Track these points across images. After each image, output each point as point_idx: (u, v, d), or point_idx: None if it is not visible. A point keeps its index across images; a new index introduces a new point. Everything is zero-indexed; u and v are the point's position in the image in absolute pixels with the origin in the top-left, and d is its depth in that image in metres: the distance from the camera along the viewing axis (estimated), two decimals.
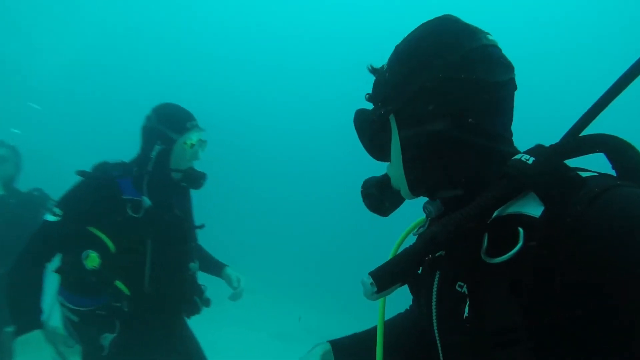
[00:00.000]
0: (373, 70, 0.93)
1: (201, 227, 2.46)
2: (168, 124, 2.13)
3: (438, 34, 0.84)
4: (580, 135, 0.77)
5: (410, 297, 1.04)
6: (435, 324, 0.85)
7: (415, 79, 0.82)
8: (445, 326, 0.83)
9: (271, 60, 20.14)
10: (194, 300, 2.31)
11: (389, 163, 0.94)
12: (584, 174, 0.68)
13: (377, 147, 0.93)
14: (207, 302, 2.36)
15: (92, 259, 2.01)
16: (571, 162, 0.73)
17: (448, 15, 0.88)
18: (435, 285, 0.85)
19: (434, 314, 0.85)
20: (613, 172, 0.70)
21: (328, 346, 1.17)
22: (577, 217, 0.60)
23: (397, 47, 0.90)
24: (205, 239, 2.57)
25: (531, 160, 0.71)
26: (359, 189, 1.00)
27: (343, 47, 19.26)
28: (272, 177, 17.44)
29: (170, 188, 2.22)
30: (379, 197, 0.97)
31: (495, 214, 0.74)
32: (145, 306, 2.13)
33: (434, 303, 0.85)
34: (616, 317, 0.55)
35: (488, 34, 0.84)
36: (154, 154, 2.11)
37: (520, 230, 0.67)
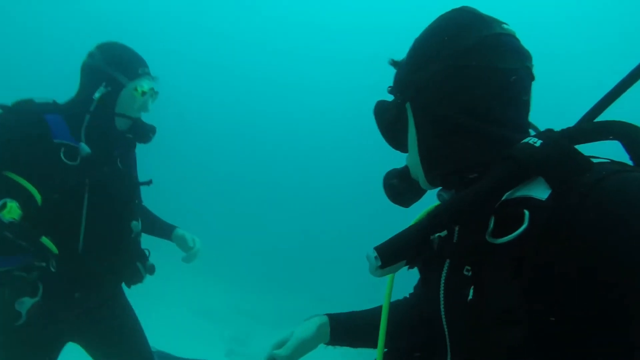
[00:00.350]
0: (394, 64, 0.96)
1: (148, 183, 2.23)
2: (117, 66, 1.92)
3: (450, 23, 0.87)
4: (595, 120, 0.79)
5: (410, 286, 1.10)
6: (442, 309, 0.86)
7: (427, 67, 0.85)
8: (451, 309, 0.84)
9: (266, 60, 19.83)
10: (136, 266, 2.08)
11: (407, 154, 0.95)
12: (594, 160, 0.68)
13: (395, 136, 0.96)
14: (150, 269, 2.13)
15: (11, 210, 1.68)
16: (587, 150, 0.71)
17: (465, 6, 0.89)
18: (444, 271, 0.86)
19: (441, 298, 0.86)
20: (629, 162, 0.69)
21: (325, 319, 1.18)
22: (579, 200, 0.61)
23: (415, 40, 0.93)
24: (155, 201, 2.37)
25: (539, 143, 0.70)
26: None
27: (341, 43, 19.19)
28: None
29: (113, 137, 1.99)
30: (400, 188, 0.98)
31: (504, 197, 0.74)
32: (76, 268, 1.88)
33: (442, 288, 0.86)
34: (609, 299, 0.56)
35: (504, 23, 0.85)
36: (97, 95, 1.88)
37: (526, 212, 0.68)
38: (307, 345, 1.14)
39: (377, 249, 0.75)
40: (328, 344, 1.19)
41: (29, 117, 1.80)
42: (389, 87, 0.96)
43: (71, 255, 1.86)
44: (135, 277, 2.09)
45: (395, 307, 1.14)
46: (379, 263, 0.74)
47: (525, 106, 0.85)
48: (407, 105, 0.90)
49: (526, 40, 0.87)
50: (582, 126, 0.75)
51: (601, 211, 0.59)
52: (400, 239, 0.76)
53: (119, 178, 2.04)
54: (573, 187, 0.63)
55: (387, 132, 0.97)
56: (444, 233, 0.87)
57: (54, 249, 1.78)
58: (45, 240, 1.77)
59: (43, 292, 1.81)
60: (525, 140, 0.73)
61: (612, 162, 0.69)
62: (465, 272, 0.78)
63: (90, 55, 1.95)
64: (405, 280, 1.08)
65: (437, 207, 0.76)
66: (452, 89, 0.82)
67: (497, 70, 0.80)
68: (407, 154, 0.96)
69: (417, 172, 0.92)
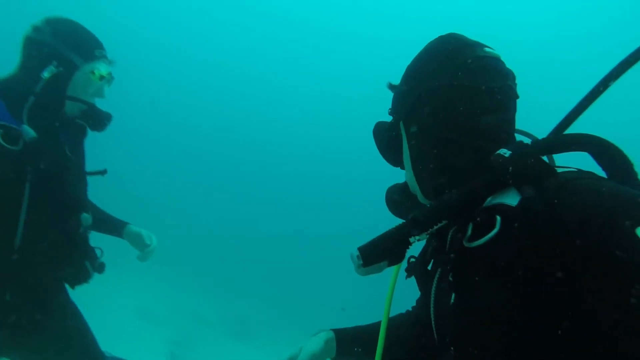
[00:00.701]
0: (391, 87, 1.03)
1: (102, 172, 2.02)
2: (72, 45, 1.75)
3: (436, 49, 0.95)
4: (565, 133, 0.84)
5: (412, 299, 1.14)
6: (432, 315, 0.91)
7: (416, 88, 0.93)
8: (439, 315, 0.89)
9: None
10: (84, 264, 1.85)
11: (405, 170, 1.01)
12: (560, 169, 0.75)
13: (393, 155, 1.02)
14: (100, 268, 1.92)
15: None
16: (560, 160, 0.79)
17: (452, 33, 0.97)
18: (435, 279, 0.91)
19: (432, 305, 0.91)
20: (599, 170, 0.73)
21: (331, 334, 1.21)
22: (543, 204, 0.67)
23: (407, 66, 1.00)
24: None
25: (508, 154, 0.75)
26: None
27: (339, 50, 19.25)
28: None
29: (61, 121, 1.80)
30: (401, 202, 1.03)
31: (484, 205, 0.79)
32: (11, 265, 1.65)
33: (432, 295, 0.91)
34: (572, 292, 0.61)
35: (487, 47, 0.92)
36: (46, 74, 1.68)
37: (498, 217, 0.74)
38: (317, 357, 1.16)
39: (359, 249, 0.80)
40: (334, 359, 1.21)
41: None
42: (389, 109, 1.04)
43: (5, 251, 1.65)
44: (81, 277, 1.87)
45: (396, 320, 1.19)
46: (361, 262, 0.79)
47: (508, 120, 0.90)
48: (401, 125, 0.97)
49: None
50: (551, 138, 0.80)
51: (557, 215, 0.65)
52: (381, 240, 0.81)
53: (67, 167, 1.82)
54: (537, 194, 0.69)
55: (385, 151, 1.03)
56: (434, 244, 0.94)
57: None
58: None
59: None
60: (497, 152, 0.77)
61: (577, 170, 0.75)
62: (450, 278, 0.82)
63: (37, 29, 1.73)
64: (402, 295, 1.13)
65: (416, 212, 0.81)
66: (439, 108, 0.88)
67: (480, 90, 0.86)
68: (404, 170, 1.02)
69: (414, 187, 0.98)
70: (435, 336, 0.91)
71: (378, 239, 0.82)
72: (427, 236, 0.89)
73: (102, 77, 1.80)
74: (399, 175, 1.11)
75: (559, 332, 0.63)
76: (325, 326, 1.25)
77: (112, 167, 2.08)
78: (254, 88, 18.45)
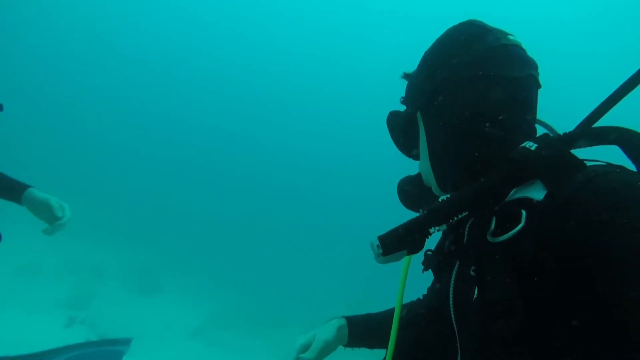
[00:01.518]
0: (406, 76, 1.00)
1: None
2: None
3: (458, 35, 0.91)
4: (594, 125, 0.83)
5: (423, 288, 1.17)
6: (452, 308, 0.91)
7: (436, 76, 0.90)
8: (459, 309, 0.89)
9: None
10: None
11: (419, 162, 1.00)
12: (588, 163, 0.73)
13: (408, 144, 1.01)
14: None
15: None
16: (588, 153, 0.76)
17: (472, 20, 0.94)
18: (454, 272, 0.91)
19: (450, 298, 0.91)
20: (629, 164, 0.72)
21: (343, 321, 1.23)
22: (568, 199, 0.66)
23: (425, 53, 0.98)
24: None
25: (534, 147, 0.75)
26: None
27: (349, 47, 19.23)
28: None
29: None
30: (413, 194, 1.03)
31: (507, 199, 0.78)
32: None
33: (451, 288, 0.91)
34: (592, 289, 0.61)
35: (510, 34, 0.90)
36: None
37: (523, 212, 0.72)
38: (329, 347, 1.18)
39: (380, 238, 0.79)
40: (346, 345, 1.23)
41: None
42: (402, 97, 1.00)
43: None
44: None
45: (408, 307, 1.18)
46: (381, 251, 0.78)
47: (531, 111, 0.89)
48: (418, 114, 0.94)
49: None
50: (579, 131, 0.81)
51: (586, 211, 0.63)
52: (401, 229, 0.80)
53: None
54: (564, 188, 0.68)
55: (399, 141, 1.01)
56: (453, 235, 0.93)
57: None
58: None
59: None
60: (523, 144, 0.77)
61: (606, 164, 0.73)
62: (472, 273, 0.81)
63: None
64: (414, 283, 1.11)
65: (437, 202, 0.81)
66: (461, 96, 0.86)
67: (505, 79, 0.84)
68: (419, 161, 1.00)
69: (430, 179, 0.96)
70: (455, 328, 0.91)
71: (398, 228, 0.80)
72: (446, 227, 0.89)
73: None
74: (405, 169, 1.11)
75: (578, 328, 0.64)
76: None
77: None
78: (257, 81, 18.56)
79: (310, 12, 19.35)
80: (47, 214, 1.68)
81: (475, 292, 0.79)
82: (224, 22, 19.07)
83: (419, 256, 0.97)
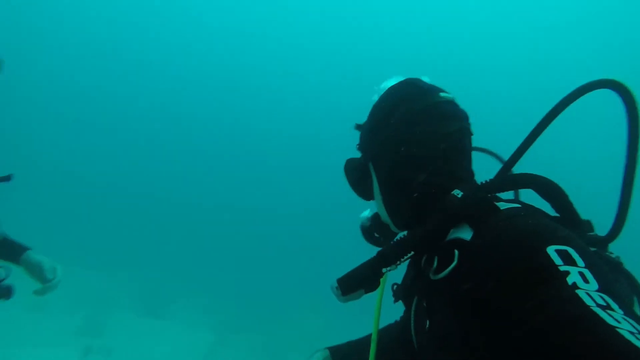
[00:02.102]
0: (358, 127, 1.13)
1: (7, 179, 1.74)
2: None
3: (397, 95, 1.03)
4: (512, 173, 0.97)
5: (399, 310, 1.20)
6: (413, 336, 1.00)
7: (379, 133, 1.03)
8: (418, 337, 0.98)
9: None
10: None
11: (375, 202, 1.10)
12: (505, 205, 0.83)
13: (363, 189, 1.11)
14: (7, 293, 1.67)
15: None
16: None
17: (409, 78, 1.07)
18: (414, 305, 1.00)
19: (412, 328, 1.00)
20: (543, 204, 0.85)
21: (327, 352, 1.30)
22: (484, 239, 0.77)
23: (372, 106, 1.08)
24: None
25: (460, 195, 0.85)
26: None
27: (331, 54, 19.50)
28: None
29: None
30: (371, 230, 1.15)
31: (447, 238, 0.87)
32: None
33: (412, 318, 1.00)
34: (508, 313, 0.66)
35: (442, 91, 1.01)
36: None
37: (456, 251, 0.81)
38: None
39: (338, 280, 0.88)
40: None
41: None
42: (357, 144, 1.13)
43: None
44: None
45: (385, 332, 1.26)
46: (340, 292, 0.87)
47: (465, 157, 1.01)
48: (370, 164, 1.07)
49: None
50: (498, 179, 0.93)
51: (492, 249, 0.74)
52: (356, 272, 0.89)
53: None
54: (482, 230, 0.79)
55: (356, 187, 1.13)
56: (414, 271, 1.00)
57: None
58: None
59: None
60: (452, 192, 0.87)
61: (516, 207, 0.82)
62: (424, 305, 0.92)
63: None
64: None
65: (385, 247, 0.90)
66: (402, 152, 0.97)
67: (438, 134, 0.96)
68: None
69: (386, 219, 1.08)
70: (418, 356, 0.98)
71: (354, 271, 0.89)
72: (396, 267, 0.94)
73: None
74: None
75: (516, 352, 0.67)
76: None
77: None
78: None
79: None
80: (40, 276, 1.77)
81: (427, 324, 0.89)
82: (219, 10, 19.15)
83: (394, 279, 1.07)
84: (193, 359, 5.71)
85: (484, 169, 1.06)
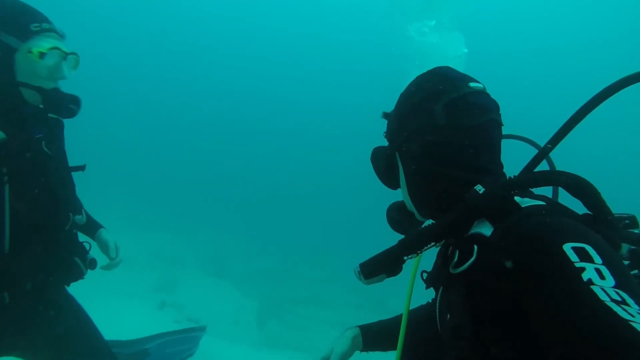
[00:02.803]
0: (385, 116, 1.12)
1: (81, 168, 1.90)
2: (4, 26, 1.54)
3: (427, 85, 1.01)
4: (536, 170, 0.96)
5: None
6: (439, 324, 1.05)
7: (408, 124, 1.02)
8: (441, 327, 1.03)
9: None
10: (74, 261, 1.81)
11: (402, 192, 1.11)
12: (529, 202, 0.85)
13: (389, 179, 1.12)
14: (92, 264, 1.88)
15: None
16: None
17: (438, 67, 1.06)
18: (439, 293, 1.04)
19: (437, 316, 1.05)
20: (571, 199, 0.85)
21: (357, 330, 1.35)
22: (501, 237, 0.79)
23: (400, 95, 1.08)
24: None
25: (482, 190, 0.87)
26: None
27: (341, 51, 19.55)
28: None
29: (29, 114, 1.66)
30: (398, 219, 1.16)
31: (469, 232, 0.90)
32: (4, 270, 1.60)
33: (437, 308, 1.05)
34: (522, 309, 0.70)
35: (473, 80, 1.00)
36: None
37: (475, 247, 0.83)
38: (346, 356, 1.31)
39: (360, 265, 0.96)
40: (362, 350, 1.35)
41: None
42: (384, 132, 1.13)
43: None
44: (73, 274, 1.83)
45: (415, 313, 1.29)
46: (362, 276, 0.94)
47: (492, 150, 1.00)
48: (397, 154, 1.07)
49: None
50: (522, 177, 0.90)
51: (510, 249, 0.76)
52: (379, 258, 0.95)
53: (46, 164, 1.71)
54: (501, 227, 0.80)
55: (382, 176, 1.13)
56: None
57: None
58: None
59: None
60: (474, 187, 0.89)
61: (541, 205, 0.83)
62: (447, 296, 0.96)
63: None
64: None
65: (405, 235, 0.95)
66: (429, 145, 0.97)
67: (466, 128, 0.95)
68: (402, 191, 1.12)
69: (412, 207, 1.10)
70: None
71: (377, 256, 0.95)
72: (417, 256, 1.01)
73: (42, 54, 1.55)
74: None
75: (524, 346, 0.71)
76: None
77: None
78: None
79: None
80: (106, 253, 2.02)
81: (448, 316, 0.93)
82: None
83: (428, 262, 1.11)
84: (249, 315, 6.41)
85: (516, 158, 1.07)
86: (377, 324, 1.38)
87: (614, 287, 0.62)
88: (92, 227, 2.09)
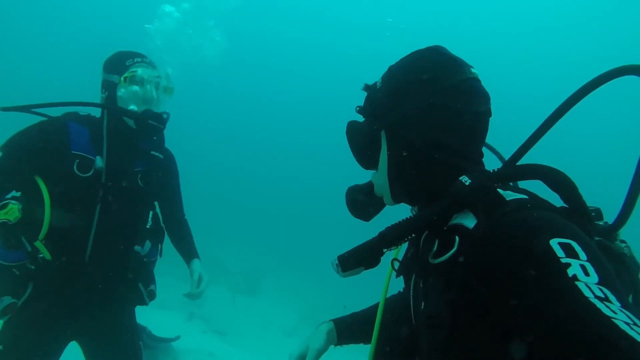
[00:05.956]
0: (367, 88, 1.02)
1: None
2: (110, 68, 1.93)
3: (429, 63, 0.94)
4: (518, 164, 0.90)
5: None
6: (412, 313, 1.03)
7: (406, 102, 0.92)
8: (415, 315, 1.01)
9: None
10: (138, 287, 2.04)
11: (374, 171, 1.04)
12: (512, 195, 0.82)
13: (366, 158, 1.03)
14: (151, 295, 2.09)
15: (9, 212, 1.74)
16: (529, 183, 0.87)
17: (438, 46, 0.98)
18: (412, 282, 1.02)
19: (411, 305, 1.03)
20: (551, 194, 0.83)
21: (332, 324, 1.32)
22: (488, 229, 0.76)
23: (390, 69, 0.99)
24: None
25: (468, 182, 0.84)
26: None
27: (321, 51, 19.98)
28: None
29: (132, 147, 1.98)
30: (365, 203, 1.08)
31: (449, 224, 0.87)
32: (80, 276, 1.88)
33: (411, 296, 1.02)
34: (502, 303, 0.68)
35: (472, 67, 0.95)
36: (101, 101, 1.93)
37: (456, 238, 0.82)
38: (322, 352, 1.28)
39: (339, 257, 0.91)
40: (336, 345, 1.32)
41: (54, 123, 1.88)
42: (358, 107, 1.03)
43: (77, 263, 1.88)
44: (137, 299, 2.06)
45: (390, 303, 1.25)
46: (340, 269, 0.91)
47: (482, 142, 0.97)
48: (382, 132, 0.97)
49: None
50: (506, 169, 0.88)
51: (493, 240, 0.74)
52: (357, 250, 0.90)
53: (130, 196, 1.98)
54: (486, 220, 0.78)
55: (359, 154, 1.03)
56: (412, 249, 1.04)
57: (47, 255, 1.81)
58: (39, 245, 1.80)
59: (34, 293, 1.82)
60: (460, 178, 0.86)
61: (523, 199, 0.80)
62: (421, 285, 0.96)
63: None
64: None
65: (386, 228, 0.90)
66: (427, 126, 0.90)
67: (467, 113, 0.90)
68: (373, 172, 1.05)
69: (383, 191, 1.01)
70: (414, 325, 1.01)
71: (355, 249, 0.90)
72: (396, 248, 0.97)
73: (126, 79, 1.87)
74: None
75: (498, 342, 0.70)
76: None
77: None
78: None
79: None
80: (192, 282, 2.16)
81: (422, 304, 0.92)
82: None
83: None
84: (279, 333, 6.51)
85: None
86: (350, 317, 1.36)
87: (597, 283, 0.62)
88: (186, 254, 2.28)
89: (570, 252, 0.66)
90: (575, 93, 0.86)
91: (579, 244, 0.67)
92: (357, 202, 1.08)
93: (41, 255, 1.83)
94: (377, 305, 1.27)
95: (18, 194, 1.88)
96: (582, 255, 0.65)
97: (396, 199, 1.01)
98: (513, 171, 0.86)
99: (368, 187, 1.08)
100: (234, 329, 5.60)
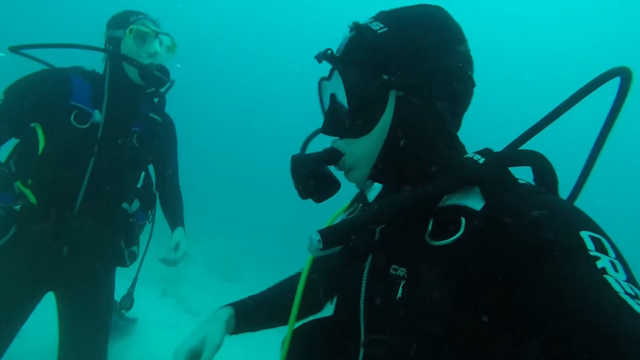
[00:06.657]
0: (357, 27, 0.83)
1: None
2: (113, 24, 1.96)
3: (445, 22, 0.84)
4: (519, 148, 0.84)
5: None
6: (362, 302, 0.87)
7: (422, 63, 0.80)
8: (373, 304, 0.85)
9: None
10: (119, 244, 2.05)
11: (347, 139, 0.86)
12: (520, 181, 0.76)
13: (363, 119, 0.82)
14: (132, 256, 2.13)
15: None
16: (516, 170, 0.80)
17: (440, 7, 0.87)
18: (366, 269, 0.88)
19: (362, 294, 0.87)
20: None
21: (231, 311, 1.15)
22: (505, 212, 0.69)
23: (398, 16, 0.84)
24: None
25: (482, 160, 0.79)
26: None
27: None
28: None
29: (133, 105, 2.01)
30: (332, 177, 0.90)
31: (441, 204, 0.79)
32: (66, 225, 1.89)
33: (363, 283, 0.87)
34: (514, 304, 0.64)
35: None
36: (105, 57, 1.96)
37: (463, 219, 0.74)
38: (220, 347, 1.10)
39: (321, 232, 0.76)
40: (232, 333, 1.15)
41: (56, 73, 1.90)
42: (343, 53, 0.85)
43: (66, 212, 1.89)
44: (117, 258, 2.07)
45: (290, 283, 1.17)
46: (320, 245, 0.75)
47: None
48: (392, 93, 0.81)
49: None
50: (511, 152, 0.80)
51: (514, 228, 0.67)
52: (343, 227, 0.77)
53: (123, 154, 2.00)
54: (500, 204, 0.71)
55: (357, 114, 0.82)
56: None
57: (32, 198, 1.84)
58: (20, 186, 1.83)
59: (15, 238, 1.85)
60: (469, 155, 0.81)
61: (533, 185, 0.76)
62: (392, 272, 0.81)
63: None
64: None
65: (380, 203, 0.78)
66: (451, 93, 0.81)
67: (471, 79, 0.85)
68: (336, 139, 0.88)
69: (362, 161, 0.85)
70: (362, 322, 0.87)
71: (339, 226, 0.77)
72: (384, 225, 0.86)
73: (132, 31, 1.88)
74: None
75: (497, 337, 0.66)
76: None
77: None
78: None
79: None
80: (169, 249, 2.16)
81: (400, 292, 0.78)
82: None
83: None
84: None
85: None
86: (252, 299, 1.20)
87: (625, 280, 0.59)
88: (171, 221, 2.29)
89: (600, 247, 0.62)
90: (578, 90, 0.80)
91: (608, 242, 0.64)
92: (324, 175, 0.88)
93: (28, 202, 1.84)
94: (280, 286, 1.20)
95: (17, 140, 1.91)
96: (611, 252, 0.62)
97: (375, 173, 0.86)
98: (515, 155, 0.78)
99: (326, 158, 0.87)
100: (206, 311, 5.58)
